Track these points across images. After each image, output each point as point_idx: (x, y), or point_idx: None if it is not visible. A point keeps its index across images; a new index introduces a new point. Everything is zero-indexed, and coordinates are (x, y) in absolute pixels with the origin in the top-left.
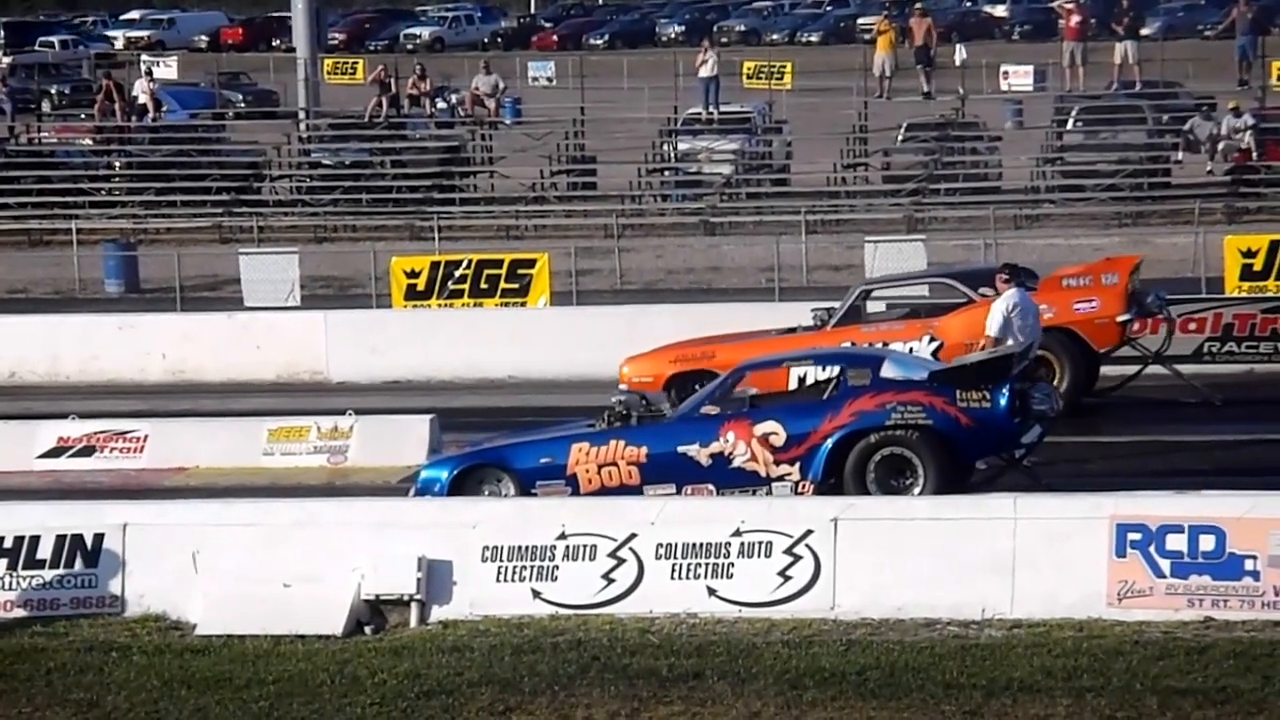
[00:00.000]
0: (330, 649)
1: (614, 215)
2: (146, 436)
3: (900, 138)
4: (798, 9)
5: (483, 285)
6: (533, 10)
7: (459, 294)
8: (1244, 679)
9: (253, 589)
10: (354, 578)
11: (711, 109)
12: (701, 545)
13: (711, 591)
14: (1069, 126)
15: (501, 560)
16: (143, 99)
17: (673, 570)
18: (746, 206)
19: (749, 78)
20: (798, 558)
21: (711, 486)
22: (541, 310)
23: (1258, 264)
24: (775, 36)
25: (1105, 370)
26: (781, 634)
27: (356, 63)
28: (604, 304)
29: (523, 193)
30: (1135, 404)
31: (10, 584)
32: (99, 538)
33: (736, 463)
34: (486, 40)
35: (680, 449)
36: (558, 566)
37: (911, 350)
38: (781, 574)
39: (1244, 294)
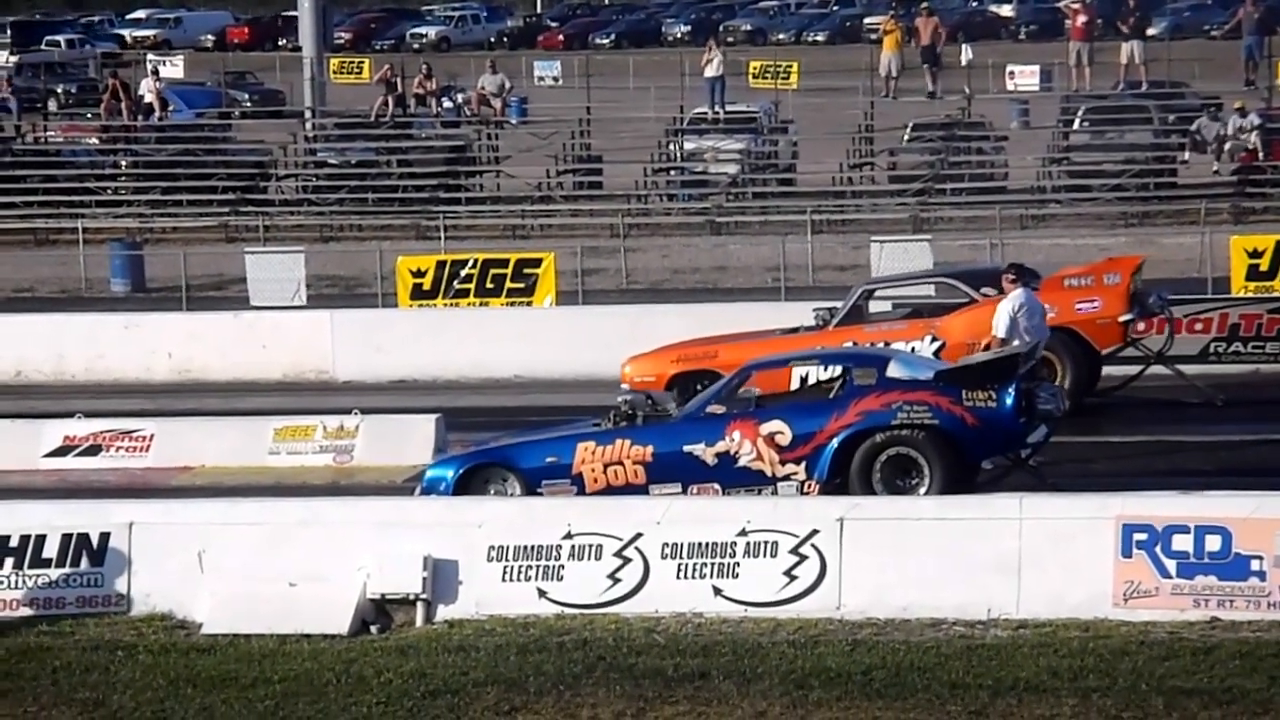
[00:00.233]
0: (336, 648)
1: (620, 215)
2: (152, 435)
3: (906, 137)
4: (804, 9)
5: (488, 285)
6: (539, 10)
7: (465, 293)
8: (1250, 679)
9: (258, 588)
10: (359, 577)
11: (717, 109)
12: (707, 545)
13: (717, 591)
14: (1075, 126)
15: (507, 560)
16: (149, 98)
17: (678, 570)
18: (752, 206)
19: (755, 77)
20: (803, 557)
21: (717, 486)
22: (547, 310)
23: (1264, 264)
24: (781, 36)
25: (1108, 370)
26: (787, 634)
27: (363, 62)
28: (610, 303)
29: (528, 192)
30: (1140, 404)
31: (16, 583)
32: (105, 537)
33: (742, 462)
34: (492, 40)
35: (686, 448)
36: (563, 566)
37: (913, 350)
38: (787, 574)
39: (1250, 294)
